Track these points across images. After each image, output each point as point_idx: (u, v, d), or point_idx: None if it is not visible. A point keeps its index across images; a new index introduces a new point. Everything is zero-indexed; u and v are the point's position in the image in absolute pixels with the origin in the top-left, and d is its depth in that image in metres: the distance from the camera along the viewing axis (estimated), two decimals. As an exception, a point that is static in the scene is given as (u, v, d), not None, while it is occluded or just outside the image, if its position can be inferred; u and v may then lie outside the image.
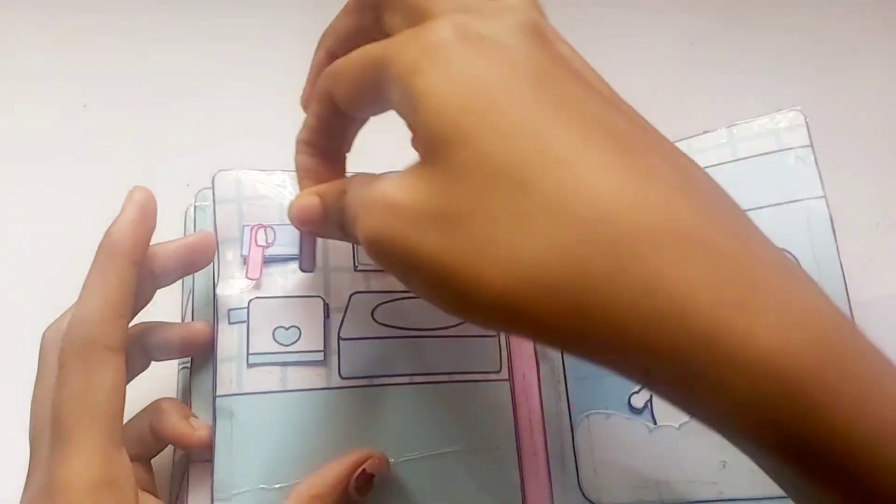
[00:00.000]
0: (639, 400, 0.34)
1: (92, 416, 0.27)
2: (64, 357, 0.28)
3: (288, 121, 0.47)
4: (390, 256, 0.23)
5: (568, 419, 0.35)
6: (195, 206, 0.36)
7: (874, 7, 0.51)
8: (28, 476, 0.29)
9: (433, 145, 0.22)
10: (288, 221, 0.31)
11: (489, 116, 0.22)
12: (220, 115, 0.47)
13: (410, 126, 0.24)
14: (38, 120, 0.47)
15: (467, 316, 0.22)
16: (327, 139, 0.31)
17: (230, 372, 0.32)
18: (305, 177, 0.31)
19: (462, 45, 0.23)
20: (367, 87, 0.26)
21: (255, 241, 0.34)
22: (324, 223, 0.30)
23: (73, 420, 0.27)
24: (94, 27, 0.50)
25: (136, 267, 0.30)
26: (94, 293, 0.29)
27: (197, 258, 0.33)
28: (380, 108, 0.27)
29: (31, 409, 0.30)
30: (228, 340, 0.32)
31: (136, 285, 0.30)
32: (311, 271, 0.34)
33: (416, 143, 0.23)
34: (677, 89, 0.49)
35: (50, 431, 0.28)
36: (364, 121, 0.31)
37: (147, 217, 0.31)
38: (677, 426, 0.33)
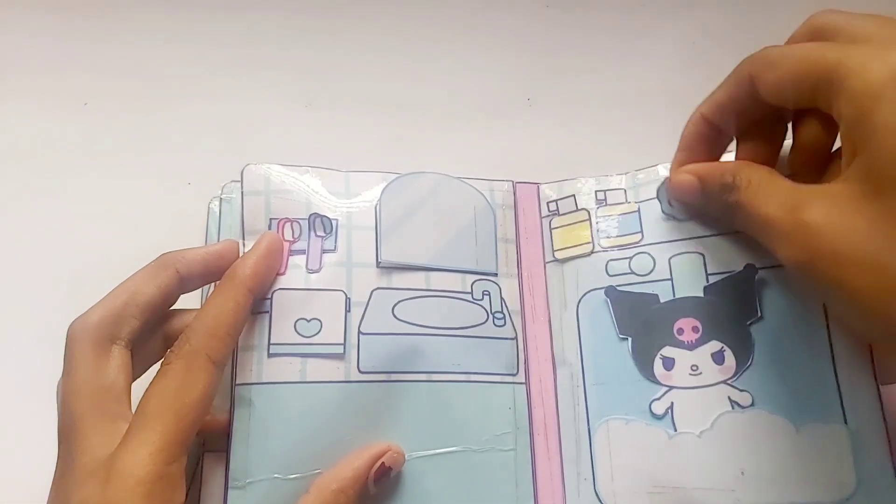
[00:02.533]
0: (659, 407, 0.34)
1: (174, 415, 0.28)
2: (170, 358, 0.29)
3: (290, 120, 0.48)
4: (815, 278, 0.27)
5: (586, 423, 0.35)
6: (221, 199, 0.37)
7: (875, 8, 0.51)
8: (64, 459, 0.29)
9: (881, 180, 0.24)
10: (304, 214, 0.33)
11: None
12: (222, 113, 0.47)
13: (852, 148, 0.26)
14: (39, 117, 0.47)
15: None
16: (727, 118, 0.33)
17: (250, 361, 0.32)
18: (687, 147, 0.35)
19: None
20: (803, 82, 0.28)
21: (282, 235, 0.35)
22: (700, 199, 0.34)
23: (157, 413, 0.28)
24: (94, 25, 0.50)
25: (251, 294, 0.32)
26: (211, 310, 0.31)
27: (223, 265, 0.33)
28: (803, 104, 0.29)
29: (64, 398, 0.30)
30: (250, 329, 0.33)
31: (249, 310, 0.32)
32: (316, 271, 0.34)
33: (858, 170, 0.25)
34: (679, 88, 0.49)
35: (101, 414, 0.29)
36: (763, 110, 0.32)
37: (270, 255, 0.33)
38: (697, 433, 0.33)
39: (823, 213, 0.26)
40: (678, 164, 0.35)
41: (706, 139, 0.34)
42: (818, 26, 0.30)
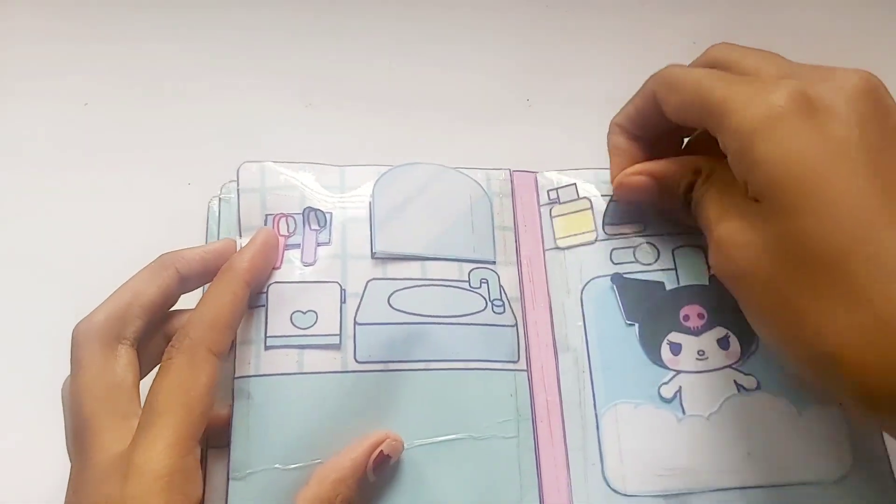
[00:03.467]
0: (668, 391, 0.34)
1: (184, 408, 0.29)
2: (171, 353, 0.30)
3: (290, 120, 0.48)
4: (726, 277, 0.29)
5: (592, 409, 0.34)
6: (220, 198, 0.37)
7: (877, 7, 0.50)
8: (79, 459, 0.29)
9: (765, 209, 0.27)
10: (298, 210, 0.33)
11: (814, 199, 0.25)
12: (222, 113, 0.47)
13: (742, 175, 0.28)
14: (39, 118, 0.47)
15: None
16: (638, 128, 0.36)
17: (248, 354, 0.33)
18: (616, 154, 0.36)
19: (799, 116, 0.26)
20: (695, 111, 0.30)
21: (277, 230, 0.35)
22: (658, 197, 0.35)
23: (166, 408, 0.29)
24: (94, 25, 0.51)
25: (248, 287, 0.32)
26: (210, 303, 0.31)
27: (221, 263, 0.34)
28: (699, 127, 0.32)
29: (74, 398, 0.30)
30: (247, 323, 0.33)
31: (247, 302, 0.32)
32: (310, 264, 0.34)
33: (750, 192, 0.27)
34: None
35: (118, 412, 0.29)
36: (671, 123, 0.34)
37: (266, 249, 0.34)
38: (706, 416, 0.33)
39: (730, 231, 0.28)
40: (616, 168, 0.36)
41: (630, 143, 0.36)
42: (715, 59, 0.32)
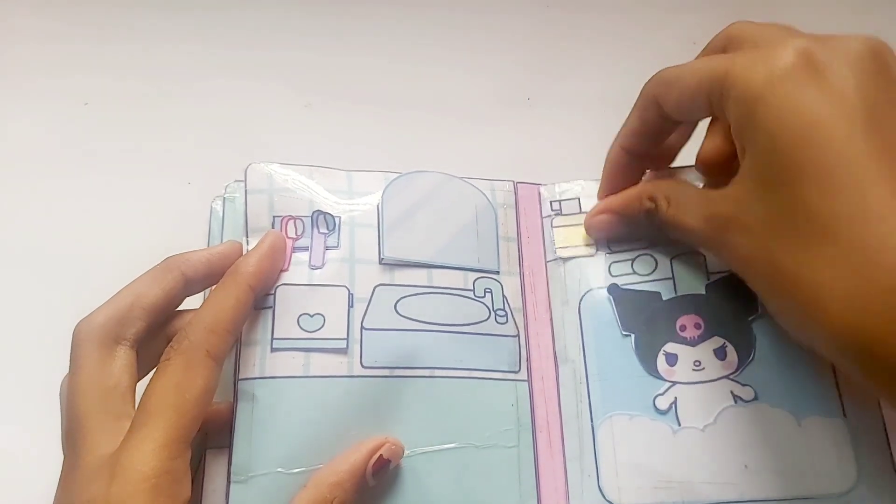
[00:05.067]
0: (663, 402, 0.34)
1: (176, 410, 0.28)
2: (169, 354, 0.30)
3: (290, 120, 0.48)
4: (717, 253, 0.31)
5: (589, 420, 0.35)
6: (224, 198, 0.37)
7: (878, 6, 0.51)
8: (70, 457, 0.29)
9: (764, 175, 0.26)
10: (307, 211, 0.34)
11: (813, 165, 0.25)
12: (222, 113, 0.47)
13: (741, 149, 0.28)
14: (39, 118, 0.47)
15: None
16: (644, 141, 0.35)
17: (253, 356, 0.32)
18: (609, 178, 0.37)
19: (803, 76, 0.26)
20: (701, 94, 0.29)
21: (286, 232, 0.35)
22: (624, 230, 0.36)
23: (158, 410, 0.28)
24: (94, 25, 0.50)
25: (253, 292, 0.32)
26: (212, 306, 0.31)
27: (227, 265, 0.33)
28: (704, 115, 0.31)
29: (70, 397, 0.30)
30: (253, 324, 0.33)
31: (250, 307, 0.32)
32: (319, 267, 0.34)
33: (747, 169, 0.27)
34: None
35: (108, 412, 0.29)
36: (677, 127, 0.34)
37: (274, 252, 0.33)
38: (701, 428, 0.33)
39: (729, 220, 0.28)
40: (602, 195, 0.37)
41: (627, 168, 0.36)
42: (730, 35, 0.32)
